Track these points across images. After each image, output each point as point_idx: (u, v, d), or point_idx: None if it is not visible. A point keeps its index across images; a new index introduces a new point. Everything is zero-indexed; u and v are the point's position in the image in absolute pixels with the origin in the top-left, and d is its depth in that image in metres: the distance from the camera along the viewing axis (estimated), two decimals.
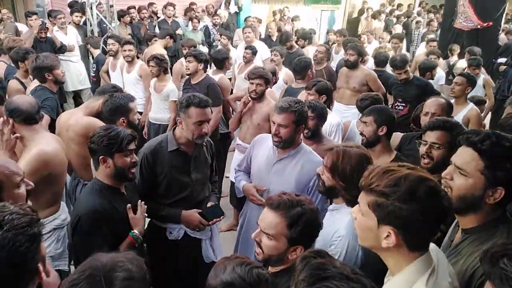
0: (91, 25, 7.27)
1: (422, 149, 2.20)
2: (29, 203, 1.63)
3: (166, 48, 6.13)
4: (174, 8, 8.48)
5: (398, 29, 9.85)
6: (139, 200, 2.18)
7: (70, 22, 6.98)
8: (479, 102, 4.71)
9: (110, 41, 5.41)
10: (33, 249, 1.12)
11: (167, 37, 6.23)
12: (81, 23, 7.29)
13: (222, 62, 4.65)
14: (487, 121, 5.63)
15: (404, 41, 8.09)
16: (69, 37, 6.51)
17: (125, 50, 4.92)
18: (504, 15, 8.12)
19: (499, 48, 7.87)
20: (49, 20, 6.70)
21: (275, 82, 4.58)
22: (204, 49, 7.39)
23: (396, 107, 4.50)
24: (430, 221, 1.18)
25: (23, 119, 2.31)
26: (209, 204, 2.55)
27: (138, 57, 5.33)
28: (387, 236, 1.19)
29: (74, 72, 6.51)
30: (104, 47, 6.03)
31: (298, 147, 2.46)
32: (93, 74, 6.28)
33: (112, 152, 1.99)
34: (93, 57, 6.51)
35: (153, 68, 4.41)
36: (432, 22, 9.85)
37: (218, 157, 2.84)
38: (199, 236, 2.56)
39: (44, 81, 3.38)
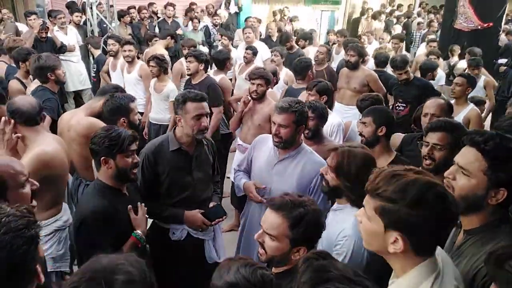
0: (91, 25, 7.27)
1: (424, 150, 2.20)
2: (34, 203, 1.63)
3: (167, 48, 6.13)
4: (174, 8, 8.48)
5: (398, 29, 9.85)
6: (139, 201, 2.18)
7: (70, 22, 6.98)
8: (479, 103, 4.71)
9: (110, 41, 5.41)
10: (31, 251, 1.12)
11: (168, 37, 6.24)
12: (81, 23, 7.28)
13: (223, 62, 4.65)
14: (487, 122, 5.63)
15: (404, 41, 8.09)
16: (69, 37, 6.51)
17: (125, 51, 4.92)
18: (505, 15, 8.11)
19: (500, 49, 7.88)
20: (49, 20, 6.70)
21: (276, 83, 4.58)
22: (204, 49, 7.39)
23: (397, 107, 4.50)
24: (438, 227, 1.17)
25: (24, 120, 2.31)
26: (211, 204, 2.54)
27: (138, 57, 5.33)
28: (394, 241, 1.18)
29: (74, 72, 6.51)
30: (105, 47, 6.03)
31: (298, 148, 2.46)
32: (94, 75, 6.28)
33: (113, 153, 1.99)
34: (93, 57, 6.50)
35: (153, 68, 4.41)
36: (433, 23, 9.85)
37: (219, 157, 2.84)
38: (202, 236, 2.56)
39: (46, 81, 3.37)
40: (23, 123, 2.31)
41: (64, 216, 2.51)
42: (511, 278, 1.00)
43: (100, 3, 7.50)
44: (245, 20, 8.31)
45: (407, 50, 8.81)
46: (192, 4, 9.04)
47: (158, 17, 8.78)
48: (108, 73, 5.60)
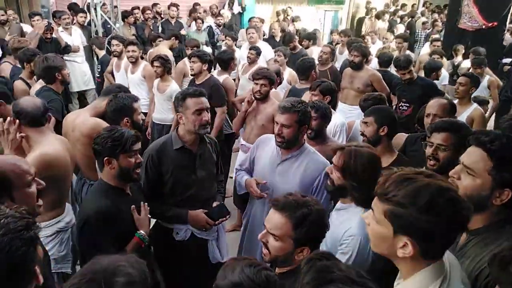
0: (95, 26, 7.29)
1: (428, 150, 2.19)
2: (40, 202, 1.63)
3: (171, 48, 6.14)
4: (178, 9, 8.50)
5: (401, 29, 9.81)
6: (142, 202, 2.18)
7: (74, 23, 7.01)
8: (482, 103, 4.69)
9: (114, 42, 5.42)
10: (30, 252, 1.12)
11: (173, 38, 6.25)
12: (85, 24, 7.31)
13: (227, 62, 4.66)
14: (491, 122, 5.60)
15: (408, 41, 8.05)
16: (74, 37, 6.54)
17: (128, 51, 4.94)
18: (509, 15, 8.05)
19: (504, 48, 7.83)
20: (54, 20, 6.73)
21: (280, 83, 4.58)
22: (208, 50, 7.40)
23: (400, 107, 4.48)
24: (449, 232, 1.15)
25: (28, 121, 2.31)
26: (214, 204, 2.54)
27: (142, 58, 5.34)
28: (404, 246, 1.16)
29: (78, 73, 6.54)
30: (108, 47, 6.06)
31: (301, 148, 2.46)
32: (98, 75, 6.30)
33: (116, 153, 2.00)
34: (97, 58, 6.53)
35: (157, 68, 4.42)
36: (437, 23, 9.81)
37: (222, 157, 2.84)
38: (205, 236, 2.56)
39: (52, 82, 3.39)
40: (27, 124, 2.32)
41: (67, 217, 2.51)
42: None
43: (104, 4, 7.52)
44: (249, 20, 8.32)
45: (411, 49, 8.77)
46: (196, 4, 9.06)
47: (162, 18, 8.80)
48: (112, 73, 5.62)
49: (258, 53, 5.42)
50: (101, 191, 2.06)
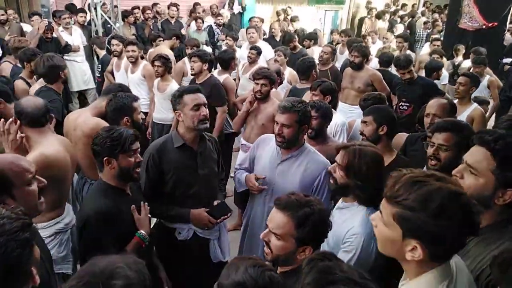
0: (95, 26, 7.29)
1: (430, 150, 2.19)
2: (42, 199, 1.62)
3: (172, 48, 6.14)
4: (178, 9, 8.49)
5: (400, 28, 9.80)
6: (142, 201, 2.17)
7: (74, 23, 7.01)
8: (483, 103, 4.69)
9: (114, 41, 5.42)
10: (26, 253, 1.12)
11: (174, 37, 6.24)
12: (85, 24, 7.31)
13: (228, 62, 4.66)
14: (491, 122, 5.60)
15: (408, 41, 8.05)
16: (74, 37, 6.54)
17: (128, 51, 4.93)
18: (510, 15, 8.04)
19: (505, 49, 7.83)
20: (54, 20, 6.73)
21: (281, 83, 4.58)
22: (208, 50, 7.40)
23: (400, 107, 4.48)
24: (460, 236, 1.14)
25: (28, 121, 2.31)
26: (215, 202, 2.54)
27: (142, 58, 5.34)
28: (413, 249, 1.14)
29: (79, 72, 6.54)
30: (108, 47, 6.06)
31: (301, 148, 2.46)
32: (99, 75, 6.30)
33: (116, 153, 1.99)
34: (98, 58, 6.53)
35: (158, 68, 4.42)
36: (437, 22, 9.80)
37: (222, 157, 2.84)
38: (208, 236, 2.55)
39: (54, 82, 3.38)
40: (27, 124, 2.31)
41: (66, 218, 2.49)
42: None
43: (104, 4, 7.52)
44: (249, 20, 8.32)
45: (412, 49, 8.76)
46: (196, 4, 9.06)
47: (161, 17, 8.80)
48: (112, 73, 5.62)
49: (259, 52, 5.42)
50: (101, 191, 2.05)
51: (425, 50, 7.80)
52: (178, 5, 8.51)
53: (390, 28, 10.20)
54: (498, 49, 7.68)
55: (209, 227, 2.49)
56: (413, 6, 13.36)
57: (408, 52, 7.22)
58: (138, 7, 8.32)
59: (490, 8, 7.61)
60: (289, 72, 5.19)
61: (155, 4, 8.84)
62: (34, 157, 2.20)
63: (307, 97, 3.56)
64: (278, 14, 10.47)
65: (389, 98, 4.61)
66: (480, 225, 1.44)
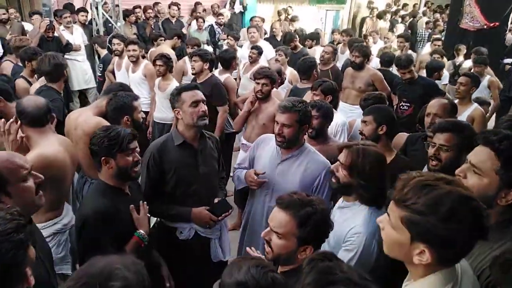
0: (96, 25, 7.29)
1: (431, 151, 2.19)
2: (41, 193, 1.61)
3: (173, 48, 6.14)
4: (179, 8, 8.49)
5: (400, 28, 9.79)
6: (141, 201, 2.17)
7: (75, 22, 7.01)
8: (483, 104, 4.68)
9: (115, 40, 5.42)
10: (20, 254, 1.11)
11: (175, 37, 6.24)
12: (86, 23, 7.32)
13: (229, 62, 4.66)
14: (492, 122, 5.59)
15: (410, 40, 8.04)
16: (75, 36, 6.54)
17: (129, 50, 4.93)
18: (511, 15, 8.03)
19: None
20: (55, 19, 6.74)
21: (282, 82, 4.57)
22: (209, 49, 7.40)
23: (401, 107, 4.48)
24: (470, 240, 1.13)
25: (28, 121, 2.30)
26: (216, 200, 2.54)
27: (143, 57, 5.34)
28: (420, 252, 1.13)
29: (80, 72, 6.55)
30: (110, 46, 6.07)
31: (301, 147, 2.45)
32: (100, 74, 6.30)
33: (113, 152, 1.98)
34: (99, 57, 6.53)
35: (160, 67, 4.42)
36: (439, 22, 9.78)
37: (223, 156, 2.84)
38: (209, 235, 2.55)
39: (56, 80, 3.38)
40: (27, 124, 2.31)
41: (65, 219, 2.48)
42: None
43: (105, 3, 7.52)
44: (250, 20, 8.31)
45: (413, 49, 8.75)
46: (197, 3, 9.06)
47: (162, 17, 8.79)
48: (113, 72, 5.62)
49: (260, 52, 5.42)
50: (99, 191, 2.04)
51: (426, 50, 7.79)
52: (179, 4, 8.51)
53: (391, 28, 10.20)
54: (499, 49, 7.67)
55: (211, 225, 2.49)
56: (414, 6, 13.33)
57: (410, 52, 7.22)
58: (140, 6, 8.32)
59: (492, 8, 7.60)
60: (290, 72, 5.19)
61: (156, 3, 8.84)
62: (32, 158, 2.18)
63: (308, 97, 3.55)
64: (279, 13, 10.46)
65: (389, 98, 4.61)
66: None
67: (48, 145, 2.33)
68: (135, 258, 1.15)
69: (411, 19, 11.32)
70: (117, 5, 7.56)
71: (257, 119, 3.57)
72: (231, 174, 4.39)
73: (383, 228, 1.24)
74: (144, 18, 8.26)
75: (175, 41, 6.27)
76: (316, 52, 6.49)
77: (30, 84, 3.96)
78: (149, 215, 2.29)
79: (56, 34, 5.99)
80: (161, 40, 6.24)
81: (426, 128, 2.81)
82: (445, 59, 6.30)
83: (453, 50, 6.95)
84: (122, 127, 2.09)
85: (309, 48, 6.94)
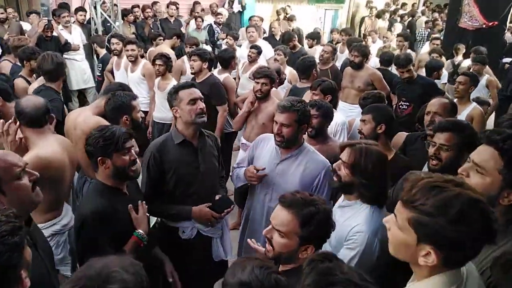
0: (95, 24, 7.28)
1: (431, 150, 2.19)
2: (37, 189, 1.60)
3: (172, 47, 6.13)
4: (177, 8, 8.47)
5: (398, 28, 9.79)
6: (139, 200, 2.16)
7: (74, 21, 6.99)
8: (483, 103, 4.68)
9: (113, 40, 5.41)
10: (15, 257, 1.11)
11: (174, 37, 6.23)
12: (85, 22, 7.30)
13: (228, 61, 4.65)
14: (491, 122, 5.60)
15: (409, 40, 8.04)
16: (74, 36, 6.53)
17: (127, 50, 4.93)
18: (510, 14, 8.03)
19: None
20: (54, 19, 6.72)
21: (281, 82, 4.57)
22: (208, 48, 7.39)
23: (400, 106, 4.48)
24: (478, 243, 1.12)
25: (27, 122, 2.29)
26: (217, 197, 2.53)
27: (142, 56, 5.33)
28: (427, 254, 1.12)
29: (78, 71, 6.53)
30: (108, 46, 6.05)
31: (300, 147, 2.45)
32: (99, 74, 6.29)
33: (109, 152, 1.97)
34: (98, 56, 6.52)
35: (160, 66, 4.42)
36: (437, 22, 9.78)
37: (222, 156, 2.84)
38: (211, 234, 2.55)
39: (56, 80, 3.37)
40: (26, 125, 2.30)
41: (64, 220, 2.47)
42: None
43: (104, 2, 7.50)
44: (249, 19, 8.30)
45: (412, 49, 8.76)
46: (195, 3, 9.05)
47: (159, 16, 8.77)
48: (112, 72, 5.61)
49: (259, 52, 5.41)
50: (96, 192, 2.03)
51: (425, 49, 7.79)
52: (178, 4, 8.49)
53: (390, 28, 10.20)
54: (498, 48, 7.68)
55: (213, 223, 2.48)
56: (413, 5, 13.35)
57: (409, 51, 7.22)
58: (138, 6, 8.30)
59: (491, 7, 7.60)
60: (289, 71, 5.19)
61: (155, 3, 8.82)
62: (30, 159, 2.17)
63: (307, 96, 3.55)
64: (278, 13, 10.45)
65: (389, 97, 4.61)
66: None
67: (46, 146, 2.31)
68: (134, 259, 1.15)
69: (410, 18, 11.32)
70: (116, 5, 7.54)
71: (257, 118, 3.57)
72: (231, 173, 4.41)
73: (389, 228, 1.23)
74: (142, 17, 8.25)
75: (174, 41, 6.26)
76: (317, 52, 6.48)
77: (29, 83, 3.95)
78: (149, 215, 2.29)
79: (54, 33, 5.98)
80: (160, 39, 6.23)
81: (425, 126, 2.82)
82: (444, 58, 6.30)
83: (452, 50, 6.96)
84: (117, 127, 2.08)
85: (309, 47, 6.93)
